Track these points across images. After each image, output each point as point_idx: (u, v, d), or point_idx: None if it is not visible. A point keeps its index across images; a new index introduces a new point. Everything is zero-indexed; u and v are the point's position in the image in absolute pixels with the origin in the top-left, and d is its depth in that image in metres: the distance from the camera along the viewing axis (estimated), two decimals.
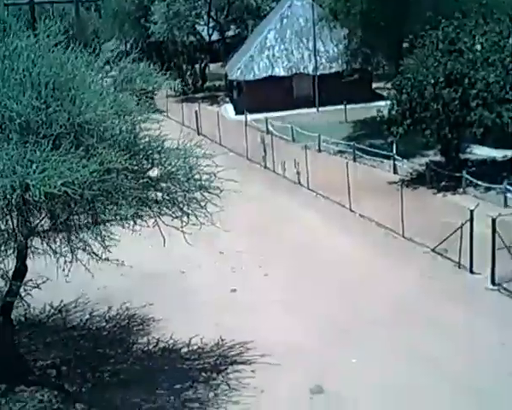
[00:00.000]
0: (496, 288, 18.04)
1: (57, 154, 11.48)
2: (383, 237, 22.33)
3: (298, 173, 28.76)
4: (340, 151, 33.56)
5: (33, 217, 13.17)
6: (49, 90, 12.44)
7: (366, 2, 32.61)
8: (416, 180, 28.00)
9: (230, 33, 62.45)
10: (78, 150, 11.83)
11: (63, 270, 13.98)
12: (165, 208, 14.32)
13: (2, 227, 12.99)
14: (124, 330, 17.57)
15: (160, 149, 14.27)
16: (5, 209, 12.02)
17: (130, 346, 16.70)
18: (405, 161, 29.36)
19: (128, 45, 68.57)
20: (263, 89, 44.06)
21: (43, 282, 15.82)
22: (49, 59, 13.11)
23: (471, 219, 18.73)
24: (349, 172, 25.82)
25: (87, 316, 18.17)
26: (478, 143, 27.60)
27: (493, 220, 17.83)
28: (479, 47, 26.87)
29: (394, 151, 29.34)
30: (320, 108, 44.12)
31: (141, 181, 13.61)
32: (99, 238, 13.23)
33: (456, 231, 19.30)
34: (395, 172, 29.33)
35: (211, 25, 59.74)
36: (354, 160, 31.82)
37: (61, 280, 14.89)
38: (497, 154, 29.64)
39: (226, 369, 15.30)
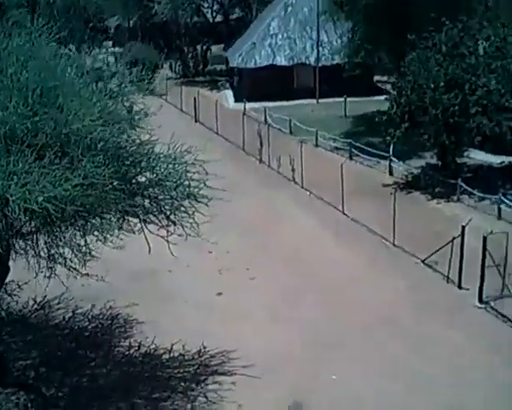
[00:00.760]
0: (483, 306, 17.86)
1: (41, 165, 11.20)
2: (374, 245, 22.08)
3: (293, 170, 28.49)
4: (336, 148, 33.26)
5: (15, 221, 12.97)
6: (37, 96, 12.10)
7: None
8: (411, 184, 27.75)
9: (235, 16, 62.06)
10: (63, 162, 11.53)
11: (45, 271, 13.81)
12: (151, 216, 14.10)
13: None
14: (106, 331, 17.42)
15: (148, 154, 13.99)
16: None
17: (112, 349, 16.56)
18: (401, 163, 29.08)
19: (131, 23, 68.36)
20: (263, 77, 43.73)
21: (26, 283, 15.65)
22: (39, 61, 12.81)
23: (462, 235, 18.51)
24: (344, 173, 25.55)
25: (70, 314, 18.01)
26: (475, 147, 27.26)
27: (484, 238, 17.61)
28: (481, 51, 26.50)
29: (391, 152, 29.03)
30: (320, 100, 43.78)
31: (127, 188, 13.40)
32: (79, 254, 12.96)
33: (447, 244, 19.07)
34: (391, 173, 29.07)
35: (215, 7, 59.30)
36: (350, 158, 31.55)
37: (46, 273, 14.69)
38: (495, 159, 29.37)
39: (206, 379, 15.16)
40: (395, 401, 14.22)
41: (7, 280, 14.67)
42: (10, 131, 11.55)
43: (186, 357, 15.93)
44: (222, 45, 60.18)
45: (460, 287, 18.87)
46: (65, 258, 13.22)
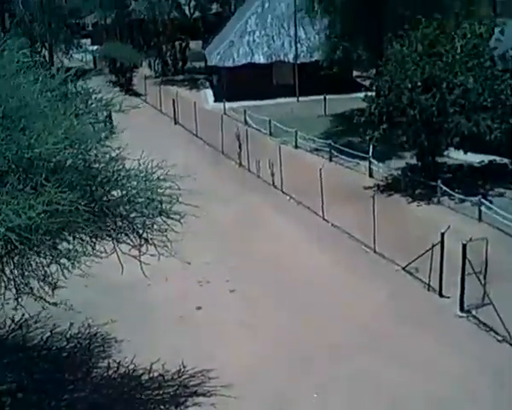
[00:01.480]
0: (464, 315, 17.75)
1: (2, 192, 10.88)
2: (354, 251, 21.94)
3: (272, 175, 28.29)
4: (316, 149, 33.08)
5: None
6: None
7: None
8: (392, 186, 27.61)
9: (213, 11, 61.62)
10: (26, 188, 11.21)
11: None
12: (123, 236, 13.84)
13: None
14: (84, 351, 17.14)
15: (118, 171, 13.69)
16: None
17: (90, 370, 16.30)
18: (381, 164, 28.96)
19: (110, 20, 67.74)
20: (242, 76, 43.50)
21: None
22: (1, 80, 12.48)
23: (442, 242, 18.38)
24: (324, 175, 25.40)
25: (48, 334, 17.71)
26: (455, 147, 27.12)
27: (464, 246, 17.48)
28: (458, 49, 26.35)
29: (371, 153, 28.90)
30: (300, 98, 43.65)
31: (97, 209, 13.12)
32: (46, 283, 12.69)
33: (427, 251, 18.95)
34: (371, 175, 28.93)
35: (192, 3, 58.87)
36: (330, 159, 31.43)
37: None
38: (475, 159, 29.28)
39: (186, 401, 14.95)
40: None
41: None
42: None
43: (165, 377, 15.69)
44: (201, 41, 59.85)
45: (441, 295, 18.76)
46: (31, 288, 12.90)
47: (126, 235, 13.80)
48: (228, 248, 22.49)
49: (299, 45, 44.60)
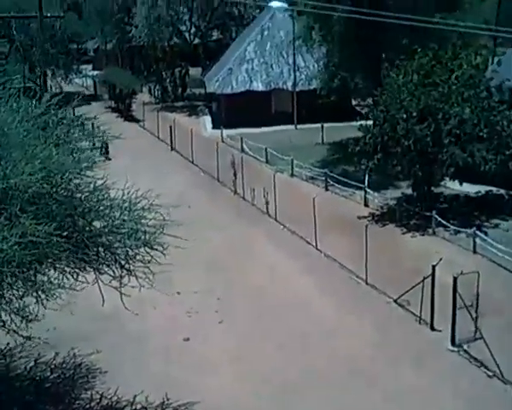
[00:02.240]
0: (456, 349, 17.43)
1: None
2: (346, 283, 21.66)
3: (266, 203, 28.08)
4: (312, 177, 32.90)
5: None
6: None
7: (342, 24, 31.93)
8: (386, 216, 27.37)
9: (214, 38, 61.80)
10: (0, 219, 11.00)
11: None
12: (105, 266, 13.62)
13: None
14: (68, 381, 16.84)
15: (102, 200, 13.47)
16: None
17: (72, 401, 15.99)
18: (377, 194, 28.76)
19: (111, 46, 68.01)
20: (241, 103, 43.43)
21: None
22: None
23: (433, 275, 18.12)
24: (319, 204, 25.22)
25: (32, 363, 17.43)
26: (450, 177, 26.92)
27: (455, 279, 17.19)
28: (454, 79, 26.22)
29: (366, 182, 28.72)
30: (299, 126, 43.59)
31: (76, 240, 12.89)
32: (19, 317, 12.41)
33: (417, 284, 18.67)
34: (366, 204, 28.72)
35: (192, 30, 59.05)
36: (326, 188, 31.24)
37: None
38: (471, 189, 29.08)
39: None
40: None
41: None
42: None
43: None
44: (201, 68, 59.91)
45: (432, 328, 18.46)
46: (3, 321, 12.63)
47: (108, 266, 13.58)
48: (218, 277, 22.21)
49: (297, 73, 44.56)
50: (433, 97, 25.41)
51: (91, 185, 13.43)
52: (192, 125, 42.85)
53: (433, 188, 27.71)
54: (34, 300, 12.59)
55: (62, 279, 12.88)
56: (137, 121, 49.11)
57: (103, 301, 13.84)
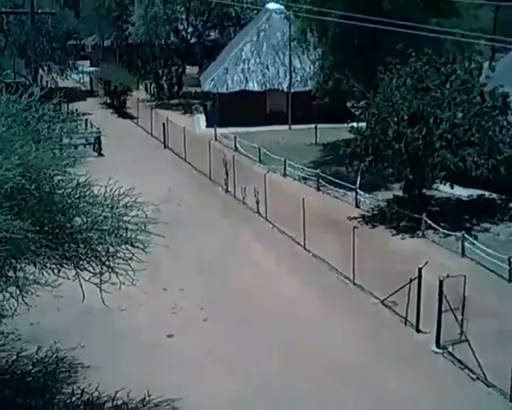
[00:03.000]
0: (440, 351, 17.36)
1: None
2: (333, 284, 21.57)
3: (257, 203, 27.99)
4: (304, 178, 32.82)
5: None
6: None
7: (337, 27, 31.87)
8: (377, 217, 27.33)
9: (211, 37, 61.77)
10: None
11: None
12: (85, 263, 13.52)
13: None
14: (50, 376, 16.71)
15: (83, 197, 13.36)
16: None
17: (53, 396, 15.87)
18: (367, 195, 28.69)
19: (109, 43, 67.95)
20: (236, 103, 43.37)
21: None
22: None
23: (419, 277, 18.05)
24: (310, 204, 25.17)
25: (14, 357, 17.29)
26: (441, 181, 26.87)
27: (440, 282, 17.13)
28: (447, 84, 26.16)
29: (358, 184, 28.66)
30: (293, 126, 43.55)
31: (59, 235, 12.80)
32: None
33: (404, 286, 18.59)
34: (357, 206, 28.65)
35: (189, 30, 59.00)
36: (318, 189, 31.19)
37: None
38: (463, 192, 29.06)
39: None
40: None
41: None
42: None
43: (129, 406, 15.29)
44: (197, 67, 59.87)
45: (418, 330, 18.40)
46: None
47: (88, 262, 13.49)
48: (205, 275, 22.12)
49: (293, 74, 44.56)
50: (426, 101, 25.33)
51: (74, 182, 13.35)
52: (186, 124, 42.75)
53: (424, 191, 27.66)
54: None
55: (42, 275, 12.77)
56: (132, 118, 49.00)
57: (83, 296, 13.76)
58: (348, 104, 44.36)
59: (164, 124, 40.87)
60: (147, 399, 15.41)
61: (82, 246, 13.39)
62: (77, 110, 47.96)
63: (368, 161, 25.70)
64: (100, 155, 38.11)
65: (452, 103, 25.45)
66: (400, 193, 28.24)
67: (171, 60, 57.32)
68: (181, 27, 58.65)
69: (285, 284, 21.55)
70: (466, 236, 23.42)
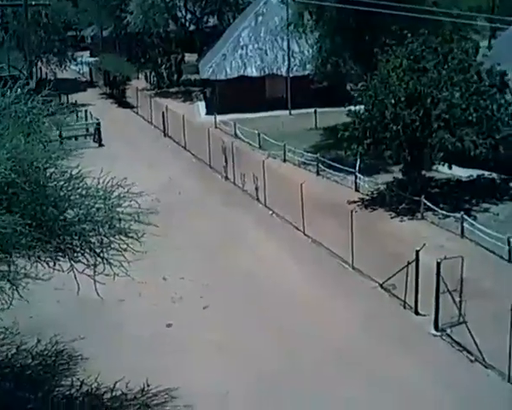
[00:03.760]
0: (439, 334, 17.32)
1: None
2: (332, 268, 21.54)
3: (256, 189, 27.94)
4: (304, 163, 32.73)
5: None
6: None
7: (334, 10, 31.68)
8: (376, 200, 27.25)
9: (210, 24, 61.54)
10: None
11: None
12: (79, 255, 13.52)
13: None
14: (49, 368, 16.77)
15: (76, 189, 13.33)
16: None
17: (52, 388, 15.92)
18: (367, 179, 28.60)
19: (109, 33, 67.81)
20: (235, 89, 43.24)
21: None
22: None
23: (417, 260, 17.99)
24: (310, 189, 25.14)
25: (14, 351, 17.34)
26: (439, 162, 26.73)
27: (438, 264, 17.07)
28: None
29: (358, 167, 28.58)
30: (293, 111, 43.39)
31: (53, 228, 12.78)
32: None
33: (402, 268, 18.54)
34: (357, 189, 28.57)
35: (188, 17, 58.80)
36: (318, 173, 31.12)
37: None
38: (463, 173, 28.94)
39: None
40: None
41: None
42: None
43: (128, 396, 15.33)
44: (197, 54, 59.63)
45: (417, 313, 18.35)
46: None
47: (82, 254, 13.49)
48: (205, 263, 22.12)
49: (292, 59, 44.34)
50: (422, 82, 25.18)
51: (67, 175, 13.33)
52: (186, 111, 42.73)
53: (424, 172, 27.54)
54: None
55: (36, 268, 12.77)
56: (131, 107, 48.95)
57: (78, 288, 13.79)
58: (348, 87, 44.08)
59: (163, 112, 40.77)
60: (145, 389, 15.45)
61: (76, 238, 13.39)
62: (76, 102, 48.43)
63: (366, 144, 25.59)
64: (100, 145, 38.11)
65: (449, 83, 25.29)
66: (400, 176, 28.13)
67: (171, 48, 57.13)
68: (179, 15, 58.43)
69: (284, 269, 21.52)
70: (465, 217, 23.35)
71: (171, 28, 58.04)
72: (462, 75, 25.45)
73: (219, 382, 15.64)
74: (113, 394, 15.43)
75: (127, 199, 13.68)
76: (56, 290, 18.46)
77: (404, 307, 18.74)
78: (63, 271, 13.84)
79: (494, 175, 28.82)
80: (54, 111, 13.27)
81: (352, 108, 26.66)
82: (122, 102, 50.58)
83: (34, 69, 55.88)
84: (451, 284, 17.34)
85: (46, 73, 56.55)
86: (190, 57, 60.64)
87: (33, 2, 39.21)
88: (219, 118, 41.33)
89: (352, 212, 21.81)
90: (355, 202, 27.14)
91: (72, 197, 12.98)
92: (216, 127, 40.24)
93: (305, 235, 24.15)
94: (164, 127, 40.66)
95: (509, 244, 21.14)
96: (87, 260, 13.51)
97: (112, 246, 13.62)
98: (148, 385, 15.49)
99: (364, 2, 27.15)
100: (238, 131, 38.32)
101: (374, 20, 30.54)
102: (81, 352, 17.09)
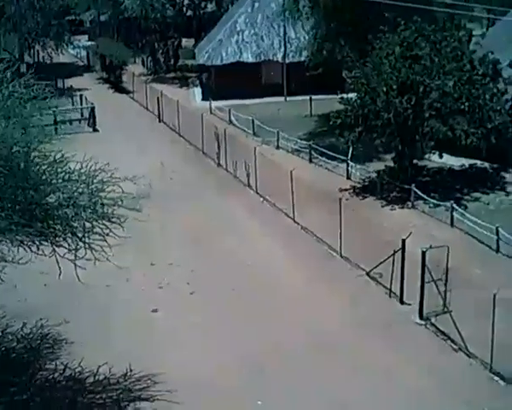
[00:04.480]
0: (423, 322, 17.35)
1: None
2: (320, 256, 21.56)
3: (247, 176, 27.90)
4: (297, 150, 32.67)
5: None
6: None
7: None
8: (368, 188, 27.21)
9: (208, 9, 61.28)
10: None
11: None
12: (61, 239, 13.53)
13: None
14: (33, 352, 16.81)
15: (58, 173, 13.32)
16: None
17: (36, 372, 15.97)
18: (359, 166, 28.56)
19: (106, 17, 67.52)
20: (231, 75, 43.03)
21: None
22: None
23: (403, 249, 17.98)
24: (301, 177, 25.13)
25: None
26: (430, 151, 26.67)
27: (423, 253, 17.06)
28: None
29: (350, 155, 28.53)
30: (288, 98, 43.22)
31: (32, 212, 12.78)
32: None
33: (389, 257, 18.54)
34: (348, 177, 28.53)
35: (186, 2, 58.57)
36: (310, 160, 31.07)
37: None
38: (456, 162, 28.91)
39: (127, 406, 14.66)
40: None
41: None
42: None
43: (111, 381, 15.38)
44: (194, 40, 59.43)
45: (402, 302, 18.37)
46: None
47: (65, 239, 13.49)
48: (194, 249, 22.13)
49: (288, 45, 44.15)
50: (414, 70, 25.09)
51: (51, 158, 13.33)
52: (181, 97, 42.59)
53: (416, 161, 27.50)
54: None
55: (18, 252, 12.78)
56: (127, 93, 48.80)
57: (60, 272, 13.82)
58: (344, 74, 43.93)
59: (158, 98, 40.65)
60: (128, 374, 15.48)
61: (58, 222, 13.39)
62: (72, 86, 48.29)
63: (357, 132, 25.53)
64: (94, 130, 38.04)
65: (442, 72, 25.20)
66: (392, 164, 28.08)
67: (168, 33, 56.89)
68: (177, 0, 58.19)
69: (273, 256, 21.53)
70: (455, 206, 23.32)
71: (168, 13, 57.68)
72: (454, 63, 25.36)
73: (204, 366, 15.67)
74: (96, 378, 15.48)
75: (110, 184, 13.70)
76: (43, 275, 18.44)
77: (390, 296, 18.77)
78: (45, 255, 13.88)
79: (486, 165, 28.76)
80: (36, 95, 13.20)
81: (345, 95, 26.56)
82: (118, 87, 50.42)
83: (30, 53, 55.87)
84: (438, 274, 17.34)
85: (43, 57, 56.36)
86: (187, 42, 60.45)
87: None
88: (215, 104, 41.22)
89: (340, 200, 21.77)
90: (346, 189, 27.14)
91: (53, 181, 12.97)
92: (211, 113, 40.15)
93: (294, 222, 24.14)
94: (159, 113, 40.55)
95: (497, 234, 21.12)
96: (68, 245, 13.50)
97: (94, 231, 13.63)
98: (132, 370, 15.53)
99: None
100: (233, 118, 38.23)
101: (368, 6, 30.38)
102: (66, 336, 17.15)
